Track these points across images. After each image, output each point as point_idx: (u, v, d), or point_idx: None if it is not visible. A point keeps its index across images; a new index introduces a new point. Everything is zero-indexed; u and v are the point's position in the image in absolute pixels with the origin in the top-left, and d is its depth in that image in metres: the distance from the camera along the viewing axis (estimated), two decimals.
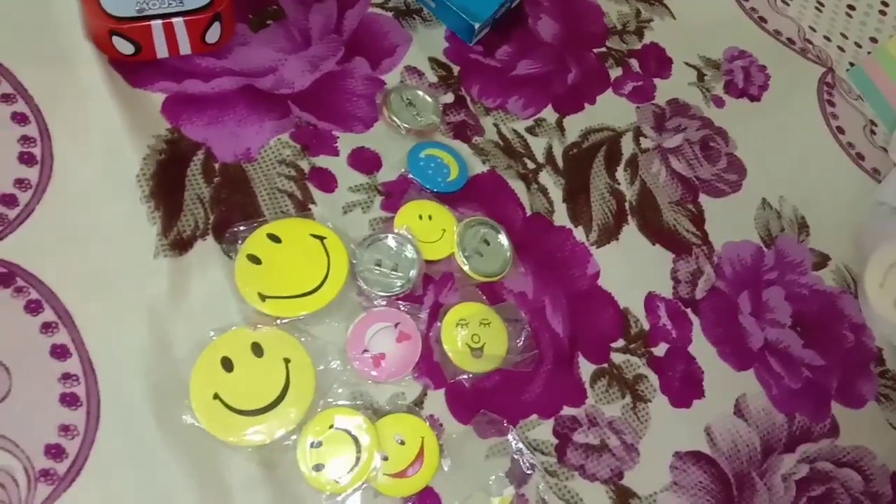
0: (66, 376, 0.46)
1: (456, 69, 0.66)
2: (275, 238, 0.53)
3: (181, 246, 0.52)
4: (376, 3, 0.66)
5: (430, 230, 0.56)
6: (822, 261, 0.65)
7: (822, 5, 0.81)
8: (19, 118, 0.52)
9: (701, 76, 0.71)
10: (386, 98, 0.61)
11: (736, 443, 0.56)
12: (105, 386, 0.46)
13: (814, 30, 0.79)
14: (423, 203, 0.58)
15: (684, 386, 0.57)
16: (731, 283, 0.62)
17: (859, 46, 0.80)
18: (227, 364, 0.48)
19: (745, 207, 0.66)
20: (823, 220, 0.67)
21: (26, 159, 0.51)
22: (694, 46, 0.73)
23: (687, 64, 0.72)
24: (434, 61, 0.65)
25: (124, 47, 0.55)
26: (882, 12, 0.83)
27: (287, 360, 0.49)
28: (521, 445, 0.52)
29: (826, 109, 0.73)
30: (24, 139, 0.52)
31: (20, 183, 0.51)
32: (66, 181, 0.51)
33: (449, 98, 0.64)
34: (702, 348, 0.59)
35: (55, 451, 0.44)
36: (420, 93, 0.63)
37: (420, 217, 0.57)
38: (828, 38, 0.79)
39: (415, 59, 0.65)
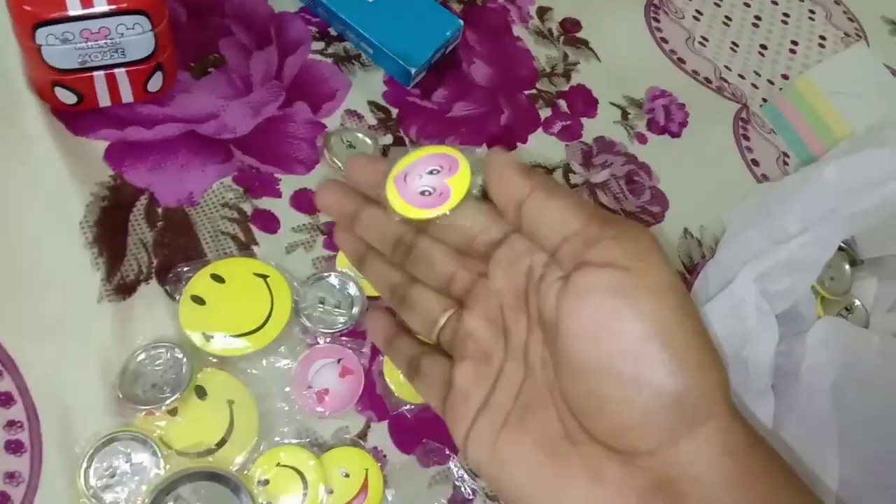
0: (11, 423, 0.47)
1: (395, 111, 0.69)
2: (218, 278, 0.55)
3: (125, 290, 0.53)
4: (316, 50, 0.69)
5: None
6: None
7: (737, 45, 0.87)
8: None
9: (625, 115, 0.76)
10: (327, 141, 0.64)
11: None
12: (48, 431, 0.47)
13: (729, 69, 0.84)
14: None
15: None
16: None
17: (772, 83, 0.85)
18: (173, 410, 0.49)
19: (669, 237, 0.70)
20: None
21: None
22: (618, 87, 0.78)
23: (612, 103, 0.76)
24: (373, 104, 0.68)
25: (67, 97, 0.56)
26: (792, 51, 0.90)
27: (231, 402, 0.50)
28: (462, 472, 0.54)
29: (742, 143, 0.79)
30: None
31: None
32: (9, 228, 0.52)
33: (388, 139, 0.67)
34: None
35: (1, 498, 0.44)
36: (360, 135, 0.65)
37: None
38: (742, 77, 0.84)
39: (354, 102, 0.68)
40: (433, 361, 0.44)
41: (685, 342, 0.33)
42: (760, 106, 0.83)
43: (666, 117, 0.77)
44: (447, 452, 0.54)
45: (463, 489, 0.53)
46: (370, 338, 0.55)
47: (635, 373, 0.33)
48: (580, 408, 0.35)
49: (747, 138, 0.79)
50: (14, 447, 0.46)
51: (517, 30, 0.78)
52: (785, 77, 0.87)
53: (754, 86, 0.84)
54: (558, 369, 0.36)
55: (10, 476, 0.45)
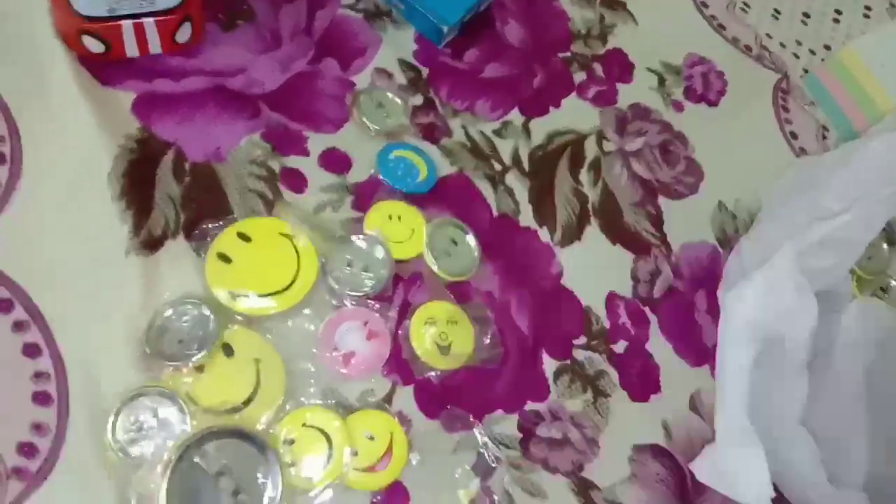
0: (38, 374, 0.46)
1: (425, 71, 0.67)
2: (245, 237, 0.54)
3: (152, 244, 0.52)
4: (346, 5, 0.67)
5: (400, 230, 0.58)
6: None
7: (779, 13, 0.84)
8: None
9: (662, 81, 0.74)
10: (356, 99, 0.62)
11: (691, 436, 0.59)
12: (74, 383, 0.47)
13: (770, 37, 0.82)
14: (393, 203, 0.59)
15: (642, 381, 0.59)
16: (688, 282, 0.65)
17: (813, 53, 0.83)
18: (200, 366, 0.49)
19: (702, 209, 0.69)
20: None
21: None
22: (655, 52, 0.75)
23: (648, 69, 0.74)
24: (403, 63, 0.66)
25: (94, 46, 0.55)
26: (835, 20, 0.87)
27: (258, 361, 0.50)
28: (486, 439, 0.53)
29: (780, 115, 0.76)
30: None
31: None
32: (36, 180, 0.51)
33: (418, 100, 0.65)
34: (659, 345, 0.61)
35: (27, 449, 0.44)
36: (389, 94, 0.64)
37: (390, 217, 0.58)
38: (783, 45, 0.82)
39: (384, 60, 0.66)
40: None
41: None
42: (801, 76, 0.80)
43: (704, 85, 0.75)
44: (472, 419, 0.54)
45: (487, 456, 0.53)
46: None
47: None
48: None
49: (787, 110, 0.77)
50: (41, 398, 0.46)
51: None
52: (827, 48, 0.84)
53: (795, 55, 0.82)
54: None
55: (38, 427, 0.45)
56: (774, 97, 0.77)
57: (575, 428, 0.56)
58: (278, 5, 0.65)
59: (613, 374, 0.59)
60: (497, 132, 0.66)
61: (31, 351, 0.47)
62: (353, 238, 0.56)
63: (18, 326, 0.47)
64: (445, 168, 0.63)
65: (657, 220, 0.67)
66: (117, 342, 0.49)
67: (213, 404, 0.48)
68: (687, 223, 0.67)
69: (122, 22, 0.54)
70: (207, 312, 0.50)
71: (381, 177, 0.60)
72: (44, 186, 0.51)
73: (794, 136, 0.75)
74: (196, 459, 0.46)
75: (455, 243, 0.59)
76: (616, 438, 0.57)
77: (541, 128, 0.67)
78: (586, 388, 0.58)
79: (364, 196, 0.59)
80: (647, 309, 0.62)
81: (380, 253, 0.56)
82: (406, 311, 0.55)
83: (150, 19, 0.55)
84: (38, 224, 0.50)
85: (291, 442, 0.49)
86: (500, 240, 0.61)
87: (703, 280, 0.65)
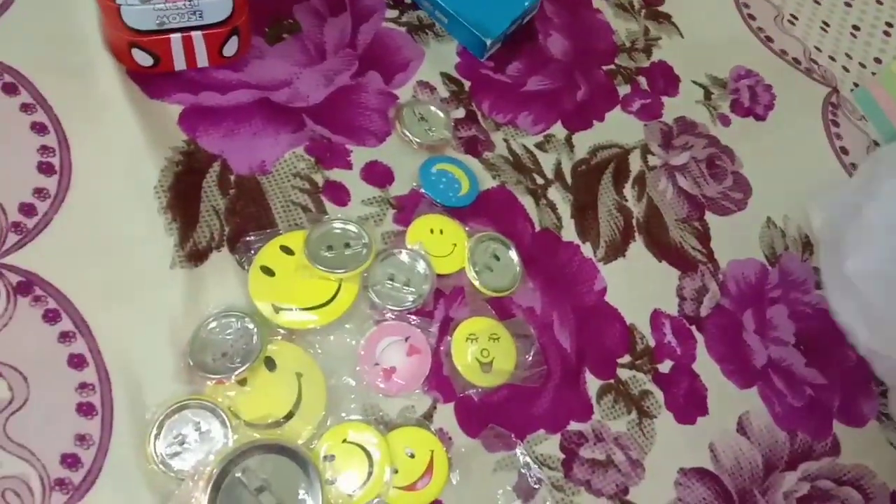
0: (83, 385, 0.47)
1: (467, 84, 0.66)
2: (287, 250, 0.54)
3: (197, 257, 0.52)
4: (390, 18, 0.67)
5: (441, 244, 0.57)
6: None
7: (828, 25, 0.82)
8: (39, 128, 0.53)
9: (708, 94, 0.72)
10: (399, 112, 0.62)
11: (739, 460, 0.57)
12: (119, 395, 0.47)
13: (819, 49, 0.80)
14: (435, 217, 0.58)
15: (688, 403, 0.58)
16: (735, 300, 0.63)
17: (864, 67, 0.81)
18: (242, 380, 0.49)
19: (750, 226, 0.67)
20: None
21: (45, 169, 0.52)
22: (701, 65, 0.74)
23: (694, 82, 0.73)
24: (446, 76, 0.66)
25: (143, 59, 0.55)
26: (886, 33, 0.85)
27: (299, 375, 0.50)
28: (528, 460, 0.52)
29: (830, 129, 0.74)
30: (44, 149, 0.53)
31: (39, 192, 0.51)
32: (85, 191, 0.52)
33: (460, 113, 0.65)
34: (706, 365, 0.60)
35: (71, 461, 0.45)
36: (432, 108, 0.63)
37: (431, 231, 0.58)
38: (832, 59, 0.80)
39: (427, 73, 0.66)
40: None
41: None
42: (851, 90, 0.78)
43: (751, 99, 0.73)
44: (514, 438, 0.53)
45: (529, 477, 0.52)
46: None
47: None
48: None
49: (836, 124, 0.75)
50: (86, 409, 0.46)
51: (597, 1, 0.75)
52: (878, 61, 0.82)
53: (845, 69, 0.80)
54: None
55: (82, 438, 0.45)
56: (824, 111, 0.75)
57: (619, 449, 0.55)
58: (323, 19, 0.65)
59: (659, 395, 0.57)
60: (539, 146, 0.65)
61: (76, 361, 0.47)
62: (395, 252, 0.56)
63: (65, 337, 0.48)
64: (487, 182, 0.62)
65: (704, 237, 0.65)
66: (161, 354, 0.49)
67: (255, 418, 0.48)
68: (734, 240, 0.66)
69: (171, 35, 0.54)
70: (251, 325, 0.50)
71: (422, 190, 0.59)
72: (91, 198, 0.52)
73: (844, 151, 0.73)
74: (238, 475, 0.45)
75: (497, 258, 0.58)
76: (661, 461, 0.55)
77: (584, 141, 0.66)
78: (631, 409, 0.56)
79: (406, 209, 0.59)
80: (693, 327, 0.61)
81: (422, 267, 0.55)
82: (447, 326, 0.55)
83: (199, 33, 0.55)
84: (85, 236, 0.51)
85: (332, 458, 0.48)
86: (542, 255, 0.60)
87: (751, 298, 0.64)
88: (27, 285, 0.48)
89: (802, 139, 0.73)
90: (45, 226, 0.50)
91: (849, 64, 0.80)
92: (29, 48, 0.56)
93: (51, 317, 0.48)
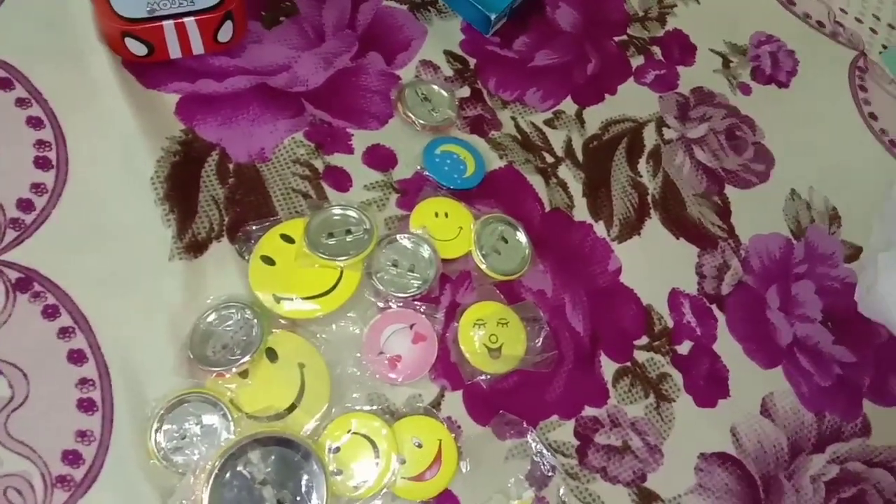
0: (83, 381, 0.46)
1: (472, 62, 0.64)
2: (288, 239, 0.53)
3: (196, 248, 0.51)
4: None
5: (447, 228, 0.55)
6: (854, 253, 0.63)
7: None
8: (34, 122, 0.53)
9: (727, 63, 0.69)
10: (401, 94, 0.60)
11: (762, 443, 0.54)
12: (119, 390, 0.46)
13: (844, 12, 0.76)
14: (440, 200, 0.57)
15: (709, 385, 0.56)
16: (758, 277, 0.60)
17: (893, 28, 0.77)
18: (243, 372, 0.48)
19: (774, 198, 0.64)
20: (855, 211, 0.65)
21: (42, 163, 0.51)
22: (719, 32, 0.71)
23: (712, 50, 0.70)
24: (450, 54, 0.64)
25: (137, 48, 0.54)
26: None
27: (302, 366, 0.49)
28: (541, 447, 0.51)
29: (858, 95, 0.71)
30: (40, 143, 0.52)
31: (36, 187, 0.51)
32: (82, 185, 0.51)
33: (465, 92, 0.63)
34: (727, 345, 0.57)
35: (72, 457, 0.44)
36: (435, 87, 0.61)
37: (436, 215, 0.56)
38: (859, 20, 0.76)
39: (430, 52, 0.64)
40: None
41: None
42: (880, 53, 0.74)
43: (773, 65, 0.70)
44: (525, 426, 0.51)
45: (541, 465, 0.50)
46: None
47: None
48: None
49: (864, 89, 0.71)
50: (86, 405, 0.46)
51: None
52: None
53: (873, 31, 0.76)
54: None
55: (83, 434, 0.45)
56: (851, 76, 0.72)
57: (636, 435, 0.53)
58: (322, 0, 0.63)
59: (678, 377, 0.55)
60: (549, 123, 0.63)
61: (76, 357, 0.47)
62: (398, 237, 0.54)
63: (64, 332, 0.47)
64: (494, 162, 0.60)
65: (724, 212, 0.62)
66: (161, 348, 0.48)
67: (256, 410, 0.47)
68: (757, 214, 0.63)
69: (164, 22, 0.53)
70: (251, 316, 0.49)
71: (426, 173, 0.58)
72: (89, 192, 0.51)
73: (873, 117, 0.70)
74: (240, 468, 0.44)
75: (505, 241, 0.56)
76: (681, 446, 0.53)
77: (595, 116, 0.64)
78: (648, 393, 0.54)
79: (409, 193, 0.57)
80: (713, 306, 0.58)
81: (426, 252, 0.54)
82: (454, 312, 0.53)
83: (191, 18, 0.54)
84: (83, 230, 0.50)
85: (337, 450, 0.47)
86: (552, 236, 0.58)
87: (775, 274, 0.61)
88: (26, 281, 0.48)
89: (828, 106, 0.69)
90: (44, 221, 0.50)
91: (877, 25, 0.76)
92: (22, 41, 0.55)
93: (50, 312, 0.47)
